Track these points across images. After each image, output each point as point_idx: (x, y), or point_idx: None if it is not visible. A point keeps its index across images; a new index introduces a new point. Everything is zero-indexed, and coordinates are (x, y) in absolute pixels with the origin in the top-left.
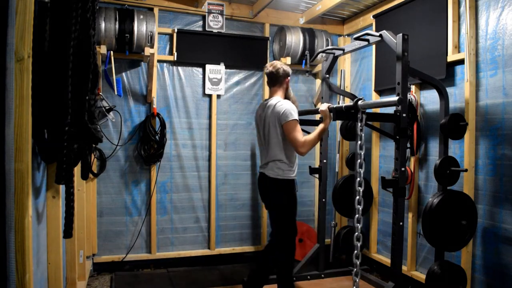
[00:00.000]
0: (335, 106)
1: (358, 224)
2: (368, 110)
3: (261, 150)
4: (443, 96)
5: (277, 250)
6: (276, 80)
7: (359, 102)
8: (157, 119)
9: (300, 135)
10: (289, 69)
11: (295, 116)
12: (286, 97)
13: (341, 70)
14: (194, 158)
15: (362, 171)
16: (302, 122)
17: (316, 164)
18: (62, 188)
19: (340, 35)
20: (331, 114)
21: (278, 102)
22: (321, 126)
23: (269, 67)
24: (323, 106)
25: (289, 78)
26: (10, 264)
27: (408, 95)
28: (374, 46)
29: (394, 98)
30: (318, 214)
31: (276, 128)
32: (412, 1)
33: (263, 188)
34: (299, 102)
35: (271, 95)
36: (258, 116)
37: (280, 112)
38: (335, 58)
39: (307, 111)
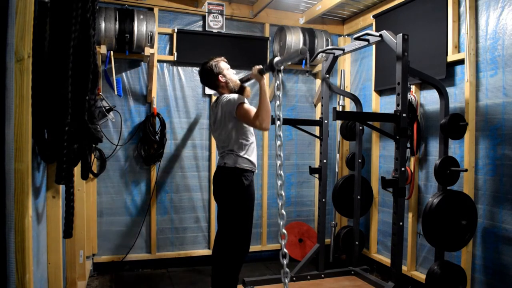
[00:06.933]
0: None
1: None
2: (368, 110)
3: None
4: (443, 96)
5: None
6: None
7: (275, 59)
8: (157, 119)
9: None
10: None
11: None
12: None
13: (341, 70)
14: (194, 158)
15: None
16: (301, 122)
17: (316, 164)
18: (62, 188)
19: (340, 35)
20: (264, 70)
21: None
22: (261, 89)
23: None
24: (253, 70)
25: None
26: (10, 264)
27: (408, 95)
28: (374, 46)
29: None
30: (318, 214)
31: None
32: (412, 1)
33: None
34: (299, 102)
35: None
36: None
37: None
38: (335, 58)
39: (240, 79)
